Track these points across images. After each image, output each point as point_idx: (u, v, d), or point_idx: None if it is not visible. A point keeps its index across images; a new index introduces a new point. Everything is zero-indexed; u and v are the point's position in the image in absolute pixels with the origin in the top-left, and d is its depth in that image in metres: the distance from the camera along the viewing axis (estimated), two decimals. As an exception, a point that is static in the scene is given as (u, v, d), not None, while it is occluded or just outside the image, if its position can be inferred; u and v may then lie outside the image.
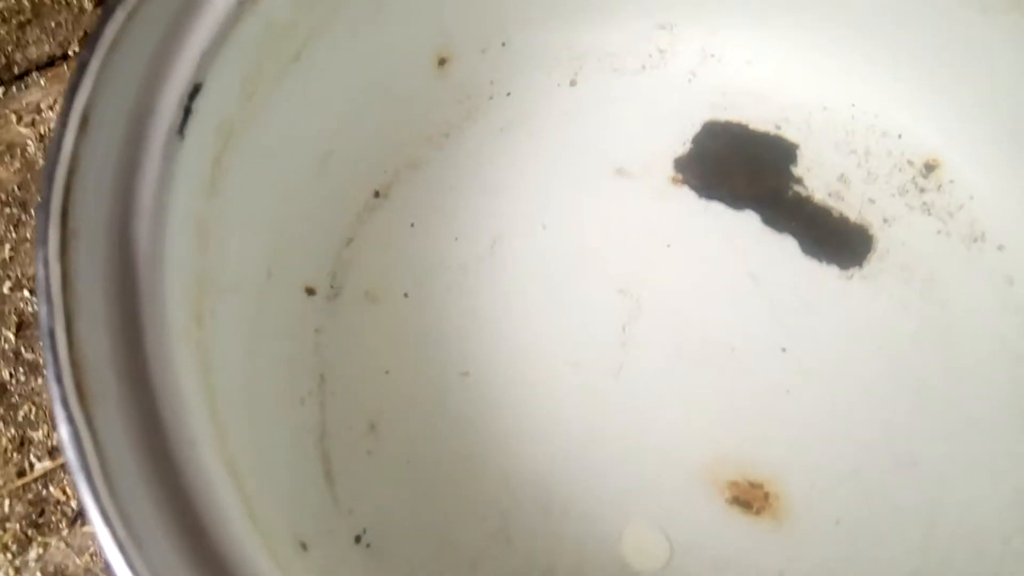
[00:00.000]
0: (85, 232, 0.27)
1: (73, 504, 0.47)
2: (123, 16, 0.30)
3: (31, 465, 0.48)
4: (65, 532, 0.46)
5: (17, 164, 0.57)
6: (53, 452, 0.48)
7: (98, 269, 0.27)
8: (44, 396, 0.49)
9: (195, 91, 0.32)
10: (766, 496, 0.39)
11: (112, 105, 0.29)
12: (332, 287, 0.44)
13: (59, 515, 0.46)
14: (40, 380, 0.50)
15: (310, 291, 0.44)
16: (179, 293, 0.30)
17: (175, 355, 0.28)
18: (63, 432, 0.23)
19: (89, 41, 0.29)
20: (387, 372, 0.43)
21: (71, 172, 0.27)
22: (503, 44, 0.48)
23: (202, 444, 0.26)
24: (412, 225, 0.46)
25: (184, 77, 0.31)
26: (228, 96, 0.34)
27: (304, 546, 0.35)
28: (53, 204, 0.27)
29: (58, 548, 0.46)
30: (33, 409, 0.49)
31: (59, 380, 0.24)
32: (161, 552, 0.22)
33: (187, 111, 0.31)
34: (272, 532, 0.31)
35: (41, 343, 0.26)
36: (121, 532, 0.22)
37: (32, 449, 0.48)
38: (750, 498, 0.39)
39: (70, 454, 0.23)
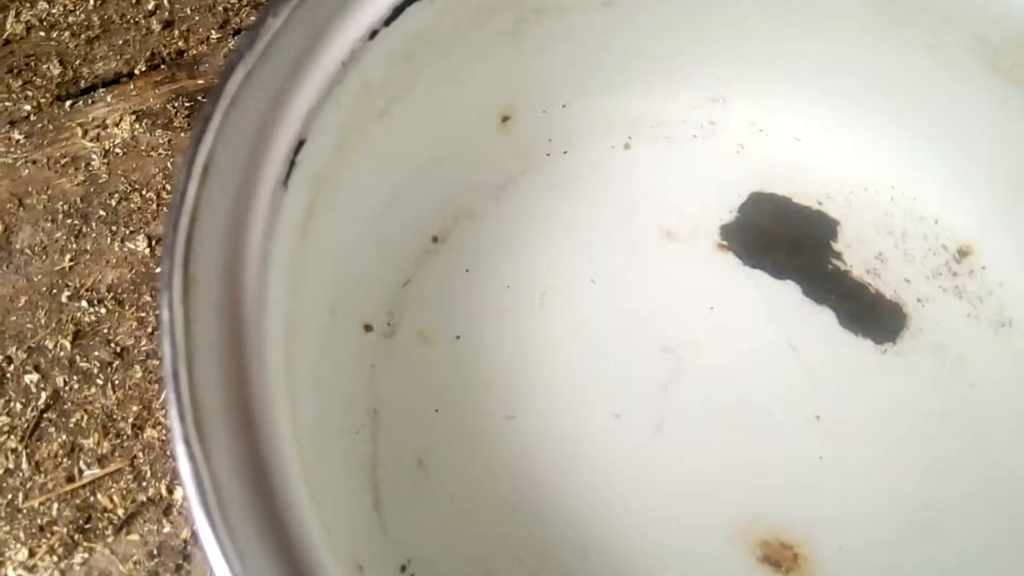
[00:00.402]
0: (202, 279, 0.29)
1: (120, 512, 0.48)
2: (243, 74, 0.32)
3: (80, 471, 0.49)
4: (111, 539, 0.47)
5: (81, 177, 0.59)
6: (103, 460, 0.50)
7: (212, 313, 0.29)
8: (96, 405, 0.51)
9: (300, 145, 0.34)
10: (795, 557, 0.41)
11: (229, 157, 0.32)
12: (389, 325, 0.46)
13: (106, 522, 0.48)
14: (93, 389, 0.52)
15: (368, 328, 0.46)
16: (276, 336, 0.32)
17: (273, 394, 0.30)
18: (185, 469, 0.25)
19: (212, 95, 0.32)
20: (436, 411, 0.45)
21: (193, 220, 0.29)
22: (563, 106, 0.50)
23: (296, 477, 0.28)
24: (467, 271, 0.48)
25: (291, 132, 0.34)
26: (325, 149, 0.36)
27: (360, 568, 0.37)
28: (177, 250, 0.29)
29: (103, 554, 0.47)
30: (85, 417, 0.51)
31: (182, 419, 0.26)
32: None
33: (292, 164, 0.34)
34: (340, 554, 0.33)
35: (164, 385, 0.28)
36: (236, 566, 0.24)
37: (82, 456, 0.50)
38: (780, 558, 0.41)
39: (191, 490, 0.25)
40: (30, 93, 0.63)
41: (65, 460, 0.50)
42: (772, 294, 0.47)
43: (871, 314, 0.47)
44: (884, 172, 0.49)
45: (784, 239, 0.48)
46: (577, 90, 0.49)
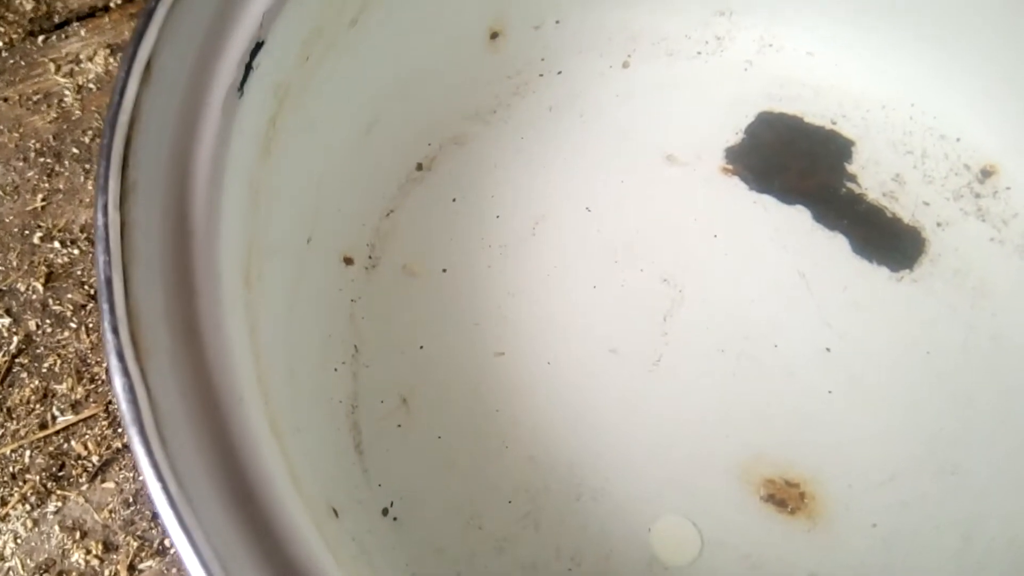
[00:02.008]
0: (144, 184, 0.26)
1: (94, 459, 0.46)
2: (190, -35, 0.29)
3: (53, 418, 0.47)
4: (85, 487, 0.45)
5: (53, 114, 0.56)
6: (76, 406, 0.48)
7: (156, 223, 0.26)
8: (69, 349, 0.49)
9: (257, 48, 0.31)
10: (802, 496, 0.39)
11: (175, 56, 0.29)
12: (370, 258, 0.44)
13: (80, 470, 0.46)
14: (66, 333, 0.49)
15: (348, 260, 0.43)
16: (232, 253, 0.29)
17: (226, 314, 0.27)
18: (117, 384, 0.23)
19: (155, -12, 0.29)
20: (421, 347, 0.42)
21: (133, 121, 0.27)
22: (557, 22, 0.47)
23: (250, 403, 0.26)
24: (454, 200, 0.45)
25: (247, 34, 0.31)
26: (287, 56, 0.33)
27: (336, 513, 0.35)
28: (114, 152, 0.26)
29: (77, 503, 0.45)
30: (58, 362, 0.48)
31: (115, 331, 0.23)
32: (209, 507, 0.22)
33: (248, 68, 0.31)
34: (308, 496, 0.30)
35: (97, 293, 0.26)
36: (173, 487, 0.21)
37: (55, 402, 0.48)
38: (785, 497, 0.39)
39: (124, 407, 0.22)
40: (2, 29, 0.60)
41: (38, 406, 0.48)
42: (780, 219, 0.44)
43: (887, 239, 0.43)
44: (903, 88, 0.46)
45: (794, 161, 0.45)
46: (571, 3, 0.46)
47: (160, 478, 0.21)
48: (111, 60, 0.58)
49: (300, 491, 0.28)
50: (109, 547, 0.44)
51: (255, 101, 0.32)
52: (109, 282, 0.24)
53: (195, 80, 0.29)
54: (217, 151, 0.29)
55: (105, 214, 0.25)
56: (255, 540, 0.23)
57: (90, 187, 0.54)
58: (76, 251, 0.51)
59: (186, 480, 0.22)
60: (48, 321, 0.50)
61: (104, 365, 0.48)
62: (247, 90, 0.31)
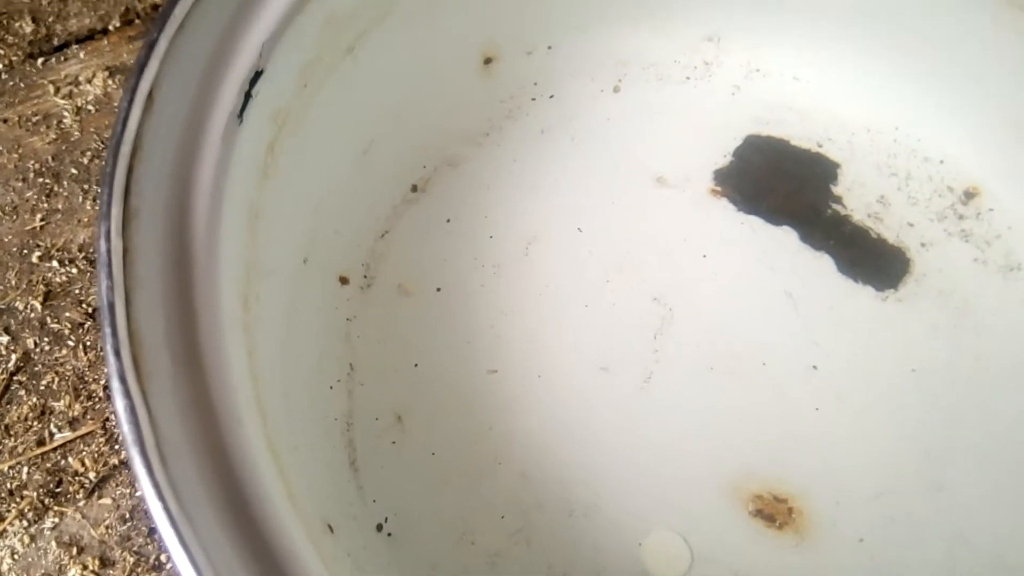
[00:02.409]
0: (146, 211, 0.27)
1: (91, 476, 0.47)
2: (191, -3, 0.30)
3: (51, 435, 0.48)
4: (82, 503, 0.46)
5: (52, 135, 0.57)
6: (74, 423, 0.48)
7: (157, 248, 0.27)
8: (67, 367, 0.50)
9: (256, 77, 0.32)
10: (790, 511, 0.39)
11: (177, 86, 0.30)
12: (365, 278, 0.44)
13: (76, 486, 0.46)
14: (64, 351, 0.50)
15: (344, 280, 0.44)
16: (231, 277, 0.30)
17: (226, 337, 0.28)
18: (119, 406, 0.23)
19: (158, 20, 0.29)
20: (416, 365, 0.43)
21: (135, 150, 0.27)
22: (549, 47, 0.48)
23: (248, 424, 0.27)
24: (448, 221, 0.46)
25: (247, 63, 0.31)
26: (286, 84, 0.34)
27: (331, 529, 0.35)
28: (116, 180, 0.27)
29: (74, 519, 0.46)
30: (56, 379, 0.49)
31: (117, 354, 0.24)
32: (208, 526, 0.22)
33: (247, 96, 0.32)
34: (304, 513, 0.31)
35: (100, 318, 0.27)
36: (173, 506, 0.22)
37: (53, 419, 0.48)
38: (774, 512, 0.39)
39: (125, 428, 0.23)
40: (1, 52, 0.61)
41: (35, 423, 0.48)
42: (768, 240, 0.45)
43: (872, 260, 0.44)
44: (888, 112, 0.47)
45: (781, 183, 0.46)
46: (563, 29, 0.47)
47: (161, 497, 0.22)
48: (110, 82, 0.59)
49: (297, 509, 0.29)
50: (106, 562, 0.45)
51: (254, 128, 0.32)
52: (112, 306, 0.24)
53: (196, 108, 0.30)
54: (217, 177, 0.30)
55: (108, 240, 0.26)
56: (253, 557, 0.23)
57: (88, 207, 0.54)
58: (74, 270, 0.52)
59: (186, 499, 0.23)
60: (46, 339, 0.50)
61: (102, 383, 0.49)
62: (246, 117, 0.32)
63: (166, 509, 0.22)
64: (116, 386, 0.23)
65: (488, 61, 0.47)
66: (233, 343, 0.28)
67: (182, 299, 0.27)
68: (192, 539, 0.22)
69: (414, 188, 0.46)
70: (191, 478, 0.23)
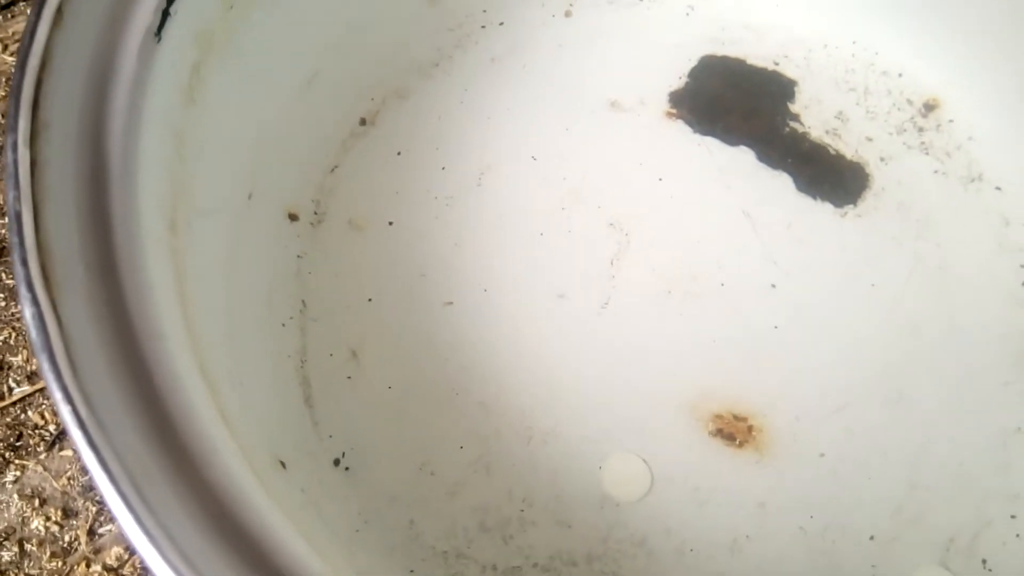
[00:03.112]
0: (57, 124, 0.26)
1: (51, 428, 0.46)
2: (100, -94, 0.29)
3: (9, 389, 0.47)
4: (43, 456, 0.45)
5: (2, 92, 0.56)
6: (32, 377, 0.48)
7: (69, 161, 0.26)
8: (23, 322, 0.49)
9: (174, -7, 0.31)
10: (750, 429, 0.39)
11: (89, 1, 0.28)
12: (315, 214, 0.44)
13: (37, 439, 0.46)
14: (19, 306, 0.49)
15: (293, 217, 0.43)
16: (153, 197, 0.29)
17: (146, 254, 0.27)
18: (27, 313, 0.23)
19: (64, -70, 0.28)
20: (370, 300, 0.42)
21: (44, 64, 0.27)
22: (497, -28, 0.47)
23: (171, 340, 0.26)
24: (399, 154, 0.45)
25: (162, -23, 0.30)
26: (207, 4, 0.33)
27: (283, 465, 0.35)
28: (24, 92, 0.26)
29: (35, 471, 0.45)
30: (12, 335, 0.48)
31: (24, 263, 0.23)
32: (123, 434, 0.22)
33: (165, 14, 0.30)
34: (249, 446, 0.30)
35: (6, 229, 0.26)
36: (83, 410, 0.21)
37: (11, 374, 0.48)
38: (733, 431, 0.39)
39: (33, 334, 0.22)
40: (-52, 11, 0.60)
41: (-7, 378, 0.48)
42: (724, 161, 0.44)
43: (831, 176, 0.44)
44: (844, 27, 0.46)
45: (737, 103, 0.45)
46: (510, -47, 0.46)
47: (69, 400, 0.21)
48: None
49: (235, 436, 0.28)
50: (68, 513, 0.44)
51: (174, 47, 0.31)
52: (18, 216, 0.24)
53: (109, 24, 0.29)
54: (133, 95, 0.29)
55: (15, 151, 0.25)
56: (172, 463, 0.23)
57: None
58: (27, 225, 0.51)
59: (97, 404, 0.22)
60: (1, 295, 0.49)
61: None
62: (165, 35, 0.31)
63: (74, 412, 0.21)
64: (23, 293, 0.23)
65: (434, -12, 0.46)
66: (157, 263, 0.28)
67: (96, 213, 0.26)
68: (102, 441, 0.21)
69: (363, 121, 0.45)
70: (104, 385, 0.23)
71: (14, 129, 0.25)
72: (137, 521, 0.20)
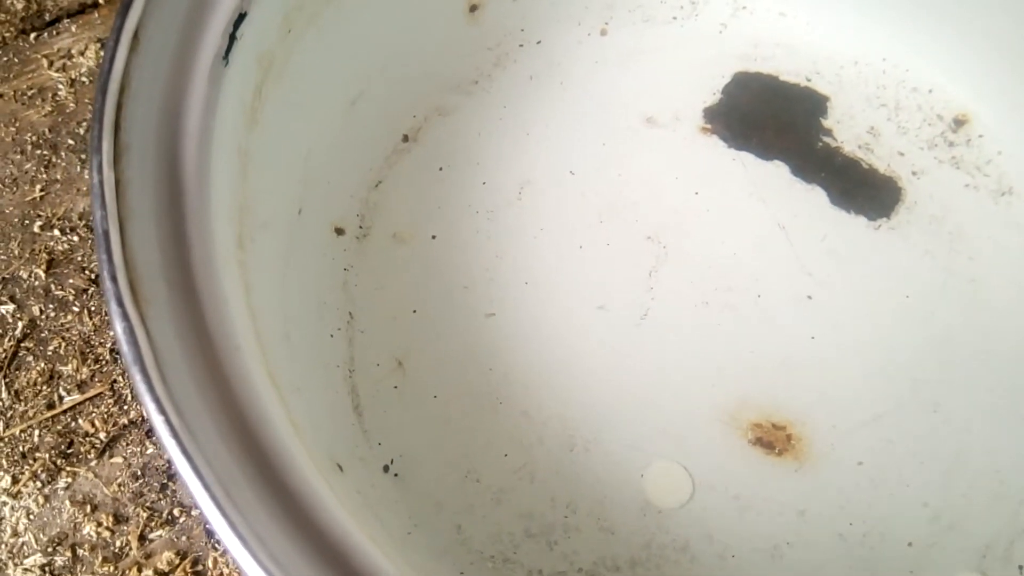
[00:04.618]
0: (136, 146, 0.28)
1: (101, 436, 0.47)
2: (172, -61, 0.30)
3: (60, 398, 0.49)
4: (94, 463, 0.47)
5: (48, 107, 0.57)
6: (82, 386, 0.49)
7: (149, 181, 0.27)
8: (73, 332, 0.50)
9: (240, 19, 0.32)
10: (788, 438, 0.40)
11: (161, 26, 0.30)
12: (361, 227, 0.45)
13: (88, 447, 0.47)
14: (69, 317, 0.51)
15: (339, 231, 0.45)
16: (224, 214, 0.30)
17: (220, 269, 0.28)
18: (118, 328, 0.24)
19: (139, -39, 0.30)
20: (414, 311, 0.43)
21: (123, 88, 0.28)
22: (535, -8, 0.48)
23: (247, 352, 0.27)
24: (440, 169, 0.46)
25: (230, 4, 0.32)
26: (269, 28, 0.35)
27: (340, 467, 0.36)
28: (106, 116, 0.27)
29: (86, 478, 0.46)
30: (63, 344, 0.50)
31: (113, 279, 0.24)
32: (210, 440, 0.23)
33: (232, 38, 0.32)
34: (312, 448, 0.31)
35: (95, 247, 0.27)
36: (175, 420, 0.22)
37: (61, 383, 0.49)
38: (773, 439, 0.40)
39: (125, 348, 0.23)
40: (-6, 29, 0.62)
41: (45, 387, 0.49)
42: (759, 175, 0.45)
43: (863, 190, 0.45)
44: (875, 44, 0.47)
45: (771, 118, 0.46)
46: (548, -27, 0.47)
47: (162, 411, 0.22)
48: (102, 53, 0.60)
49: (303, 440, 0.29)
50: (119, 519, 0.45)
51: (240, 70, 0.33)
52: (106, 234, 0.25)
53: (181, 49, 0.30)
54: (205, 117, 0.30)
55: (100, 172, 0.26)
56: (255, 470, 0.24)
57: (87, 176, 0.55)
58: (75, 238, 0.53)
59: (187, 414, 0.23)
60: (51, 306, 0.51)
61: (108, 346, 0.50)
62: (232, 59, 0.32)
63: (168, 423, 0.22)
64: (114, 309, 0.24)
65: (473, 8, 0.47)
66: (229, 276, 0.29)
67: (175, 230, 0.27)
68: (194, 450, 0.22)
69: (405, 138, 0.47)
70: (191, 396, 0.24)
71: (98, 151, 0.27)
72: (230, 525, 0.22)
